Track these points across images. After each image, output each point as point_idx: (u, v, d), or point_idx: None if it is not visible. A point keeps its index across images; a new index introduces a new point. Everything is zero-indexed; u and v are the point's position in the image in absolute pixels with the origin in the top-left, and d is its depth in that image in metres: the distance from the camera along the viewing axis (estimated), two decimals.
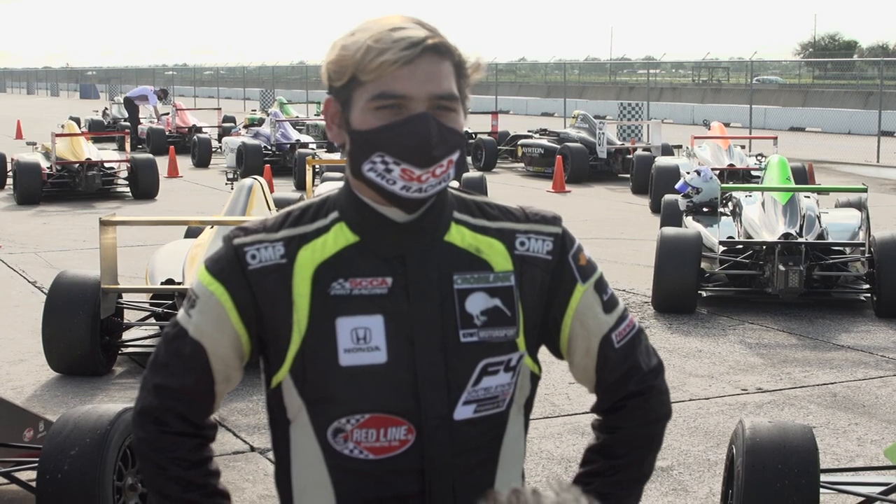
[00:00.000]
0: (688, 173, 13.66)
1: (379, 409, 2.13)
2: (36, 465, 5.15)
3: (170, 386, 2.22)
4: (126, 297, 9.01)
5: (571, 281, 2.27)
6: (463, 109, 2.17)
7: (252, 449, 6.82)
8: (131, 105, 32.78)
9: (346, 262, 2.16)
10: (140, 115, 33.05)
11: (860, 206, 11.95)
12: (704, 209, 12.71)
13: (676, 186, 13.84)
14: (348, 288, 2.14)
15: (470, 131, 27.47)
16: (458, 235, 2.21)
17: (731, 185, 13.88)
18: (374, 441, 2.14)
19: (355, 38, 2.11)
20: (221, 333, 2.20)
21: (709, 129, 21.60)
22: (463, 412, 2.16)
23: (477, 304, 2.17)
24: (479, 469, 2.21)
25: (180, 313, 2.25)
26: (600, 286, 2.31)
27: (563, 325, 2.28)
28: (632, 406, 2.33)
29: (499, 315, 2.18)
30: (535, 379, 2.29)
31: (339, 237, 2.18)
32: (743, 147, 21.35)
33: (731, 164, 18.82)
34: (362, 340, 2.12)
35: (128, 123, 31.91)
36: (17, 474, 5.57)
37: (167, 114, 32.41)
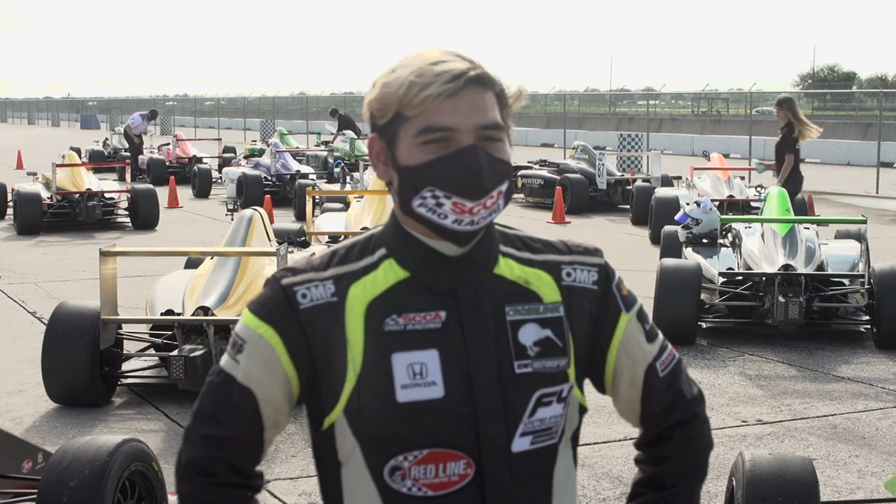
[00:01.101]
0: (687, 204, 13.66)
1: (438, 445, 2.11)
2: (35, 496, 5.13)
3: (218, 435, 2.18)
4: (126, 327, 9.01)
5: (616, 310, 2.29)
6: (508, 139, 2.18)
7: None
8: (130, 136, 32.58)
9: (397, 297, 2.15)
10: (142, 145, 32.88)
11: (860, 237, 11.96)
12: (704, 240, 12.71)
13: (676, 217, 13.84)
14: (402, 323, 2.13)
15: None
16: (507, 268, 2.22)
17: (730, 216, 13.90)
18: (433, 477, 2.12)
19: (396, 74, 2.12)
20: (272, 377, 2.17)
21: (708, 160, 21.62)
22: (520, 444, 2.15)
23: (529, 335, 2.18)
24: (536, 501, 2.20)
25: (224, 360, 2.22)
26: (642, 316, 2.34)
27: (608, 356, 2.29)
28: (678, 435, 2.34)
29: (551, 346, 2.19)
30: (582, 412, 2.29)
31: (388, 273, 2.18)
32: (742, 178, 21.36)
33: (731, 196, 18.84)
34: (419, 376, 2.11)
35: (128, 154, 31.82)
36: None
37: (167, 144, 32.46)
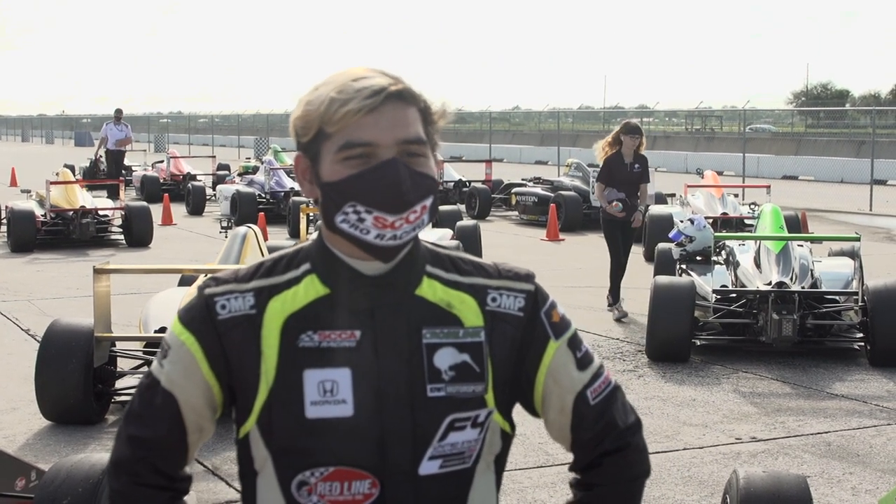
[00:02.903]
0: (681, 222, 13.68)
1: (344, 463, 2.12)
2: None
3: (142, 436, 2.22)
4: (119, 345, 8.99)
5: (544, 337, 2.26)
6: (433, 155, 2.17)
7: None
8: (110, 155, 30.51)
9: (315, 314, 2.16)
10: (127, 162, 31.87)
11: (853, 254, 11.97)
12: (698, 258, 12.72)
13: (670, 235, 13.85)
14: (317, 340, 2.14)
15: (464, 179, 27.55)
16: (430, 290, 2.21)
17: (724, 233, 13.91)
18: (338, 494, 2.13)
19: (319, 92, 2.13)
20: (192, 384, 2.20)
21: (702, 177, 21.66)
22: (428, 467, 2.15)
23: (445, 359, 2.16)
24: None
25: (154, 363, 2.25)
26: (574, 343, 2.30)
27: (535, 382, 2.27)
28: (608, 463, 2.31)
29: (467, 371, 2.17)
30: (506, 437, 2.27)
31: (309, 289, 2.18)
32: (736, 195, 21.39)
33: (725, 213, 18.87)
34: (329, 393, 2.11)
35: (123, 172, 30.74)
36: None
37: (161, 161, 32.43)
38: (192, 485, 2.33)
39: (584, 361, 2.30)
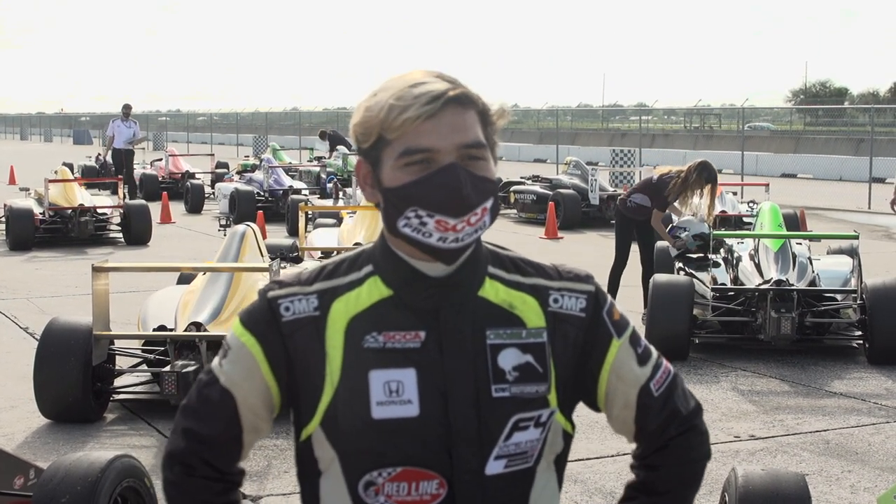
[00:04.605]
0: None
1: (411, 463, 2.13)
2: None
3: (198, 431, 2.25)
4: (118, 343, 8.98)
5: (607, 336, 2.29)
6: (493, 157, 2.19)
7: (244, 496, 6.78)
8: (119, 154, 28.96)
9: (379, 315, 2.18)
10: (135, 161, 30.57)
11: (852, 252, 11.97)
12: (696, 248, 12.61)
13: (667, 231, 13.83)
14: (381, 341, 2.16)
15: None
16: (492, 291, 2.23)
17: (723, 231, 13.91)
18: (406, 495, 2.14)
19: (377, 98, 2.14)
20: (251, 384, 2.23)
21: None
22: (494, 467, 2.17)
23: (509, 359, 2.18)
24: None
25: (214, 362, 2.29)
26: (634, 340, 2.33)
27: (599, 380, 2.30)
28: (673, 445, 2.35)
29: (531, 371, 2.19)
30: (567, 436, 2.30)
31: (373, 291, 2.20)
32: (735, 193, 21.41)
33: (723, 211, 18.87)
34: (395, 394, 2.13)
35: (114, 169, 29.00)
36: None
37: (160, 160, 32.41)
38: (244, 477, 2.36)
39: (644, 356, 2.34)
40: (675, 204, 12.45)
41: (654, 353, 2.38)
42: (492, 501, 2.17)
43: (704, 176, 12.13)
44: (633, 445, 2.42)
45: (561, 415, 2.25)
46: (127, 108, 29.40)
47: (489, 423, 2.15)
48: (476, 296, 2.21)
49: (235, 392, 2.23)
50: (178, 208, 25.99)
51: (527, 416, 2.18)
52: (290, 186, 24.71)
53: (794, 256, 11.39)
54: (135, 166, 30.20)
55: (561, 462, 2.31)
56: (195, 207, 26.62)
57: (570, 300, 2.27)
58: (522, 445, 2.18)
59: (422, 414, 2.13)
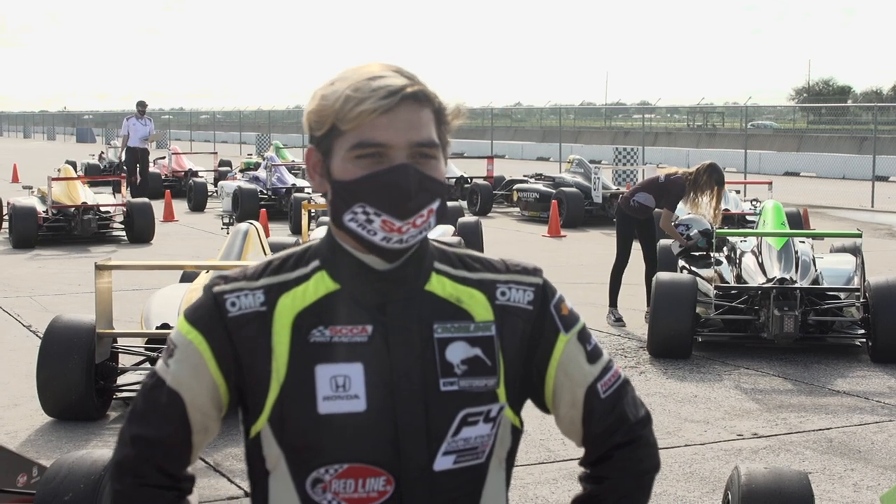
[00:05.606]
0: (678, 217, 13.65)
1: (358, 459, 2.11)
2: None
3: (147, 436, 2.20)
4: (121, 341, 8.98)
5: (554, 331, 2.26)
6: (444, 156, 2.18)
7: (246, 494, 6.79)
8: (134, 152, 28.55)
9: (326, 309, 2.16)
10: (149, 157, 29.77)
11: (855, 251, 11.96)
12: (699, 245, 12.62)
13: None
14: (328, 335, 2.14)
15: (466, 175, 27.56)
16: (440, 285, 2.21)
17: (726, 230, 13.89)
18: (353, 492, 2.12)
19: (334, 87, 2.13)
20: (199, 383, 2.19)
21: None
22: (443, 463, 2.15)
23: (457, 353, 2.16)
24: None
25: (159, 363, 2.24)
26: (583, 336, 2.31)
27: (546, 376, 2.27)
28: (619, 456, 2.31)
29: (479, 364, 2.17)
30: (516, 432, 2.27)
31: (319, 285, 2.18)
32: (738, 192, 21.41)
33: (727, 209, 18.84)
34: (342, 388, 2.11)
35: (125, 168, 28.74)
36: None
37: (163, 158, 32.41)
38: (195, 484, 2.32)
39: (593, 355, 2.31)
40: (681, 205, 12.44)
41: (606, 354, 2.35)
42: (441, 498, 2.15)
43: (714, 178, 12.13)
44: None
45: (510, 410, 2.23)
46: (142, 105, 29.24)
47: (437, 417, 2.13)
48: (423, 290, 2.19)
49: (183, 393, 2.18)
50: (181, 206, 26.01)
51: (475, 410, 2.16)
52: (294, 184, 24.69)
53: (798, 255, 11.39)
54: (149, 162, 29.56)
55: (510, 459, 2.29)
56: (198, 205, 26.64)
57: (518, 293, 2.25)
58: (472, 441, 2.16)
59: (368, 409, 2.10)
